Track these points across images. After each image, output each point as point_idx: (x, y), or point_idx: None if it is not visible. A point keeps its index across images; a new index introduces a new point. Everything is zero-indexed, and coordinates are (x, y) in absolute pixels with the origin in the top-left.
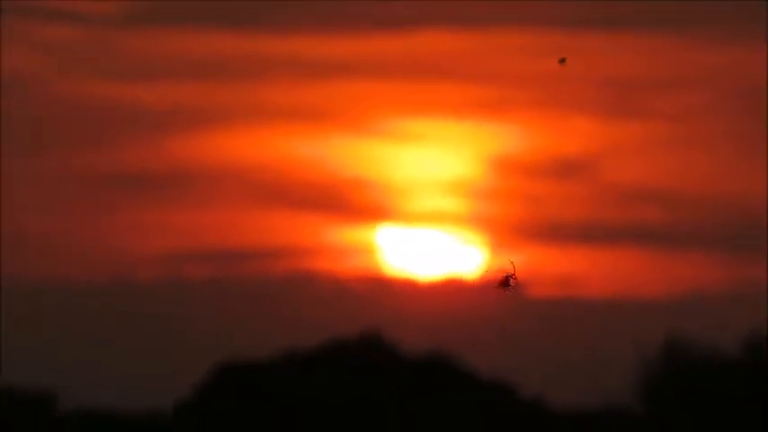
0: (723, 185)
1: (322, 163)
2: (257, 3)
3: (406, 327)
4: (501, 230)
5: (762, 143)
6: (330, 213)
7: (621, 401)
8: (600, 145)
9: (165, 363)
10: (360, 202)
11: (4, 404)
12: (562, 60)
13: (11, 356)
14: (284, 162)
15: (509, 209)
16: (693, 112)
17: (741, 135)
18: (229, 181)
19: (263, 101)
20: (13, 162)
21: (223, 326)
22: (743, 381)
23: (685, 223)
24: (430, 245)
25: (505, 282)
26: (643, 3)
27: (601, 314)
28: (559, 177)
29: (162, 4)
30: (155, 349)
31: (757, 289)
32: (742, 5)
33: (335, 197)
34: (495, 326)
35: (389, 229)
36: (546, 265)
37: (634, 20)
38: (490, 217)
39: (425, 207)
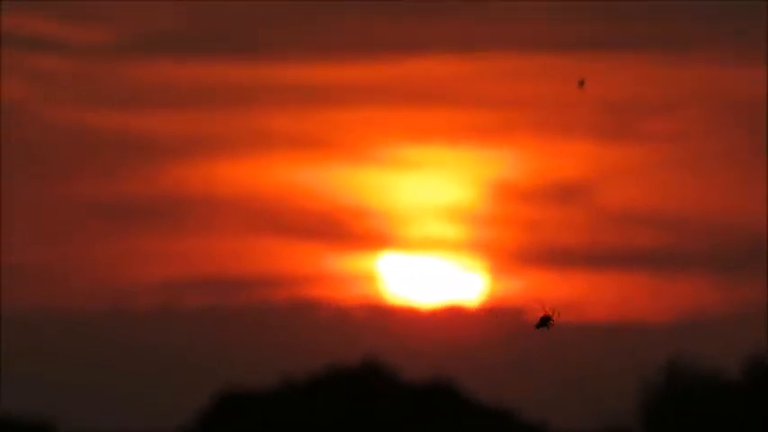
0: (721, 207)
1: (321, 191)
2: (253, 30)
3: (406, 354)
4: (500, 256)
5: (758, 163)
6: (329, 241)
7: (622, 425)
8: (597, 168)
9: (164, 392)
10: (359, 230)
11: None
12: (581, 83)
13: (10, 385)
14: (283, 190)
15: (508, 234)
16: (689, 133)
17: (738, 155)
18: (228, 209)
19: (261, 129)
20: (7, 191)
21: (223, 354)
22: (743, 403)
23: (684, 246)
24: (430, 272)
25: (544, 323)
26: (637, 25)
27: (601, 338)
28: (557, 202)
29: (154, 33)
30: (154, 378)
31: (756, 310)
32: (736, 26)
33: (335, 225)
34: (497, 351)
35: (389, 256)
36: (546, 290)
37: (628, 42)
38: (489, 243)
39: (425, 234)
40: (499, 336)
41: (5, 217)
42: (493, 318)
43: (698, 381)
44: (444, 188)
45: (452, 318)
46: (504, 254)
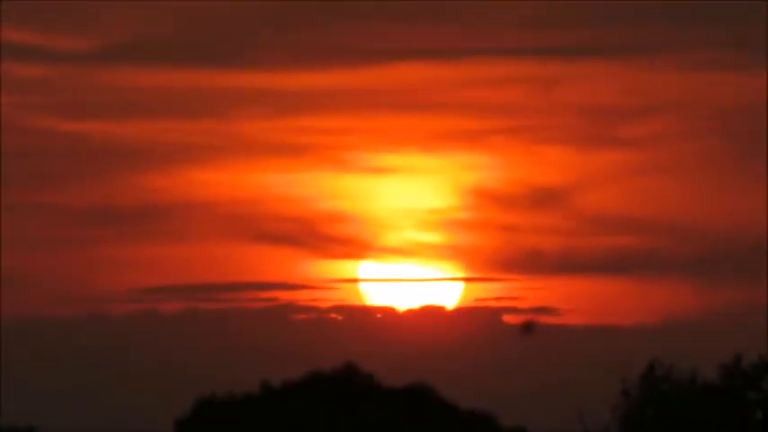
0: (699, 212)
1: (299, 197)
2: (231, 39)
3: (385, 358)
4: (478, 261)
5: (737, 168)
6: (307, 247)
7: (600, 428)
8: (575, 174)
9: (143, 397)
10: (337, 236)
11: None
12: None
13: None
14: (261, 196)
15: (485, 239)
16: (667, 138)
17: (716, 160)
18: (206, 215)
19: (239, 136)
20: None
21: (202, 359)
22: (720, 405)
23: (661, 251)
24: (408, 277)
25: (529, 327)
26: (614, 32)
27: (579, 342)
28: (535, 207)
29: (133, 43)
30: (133, 383)
31: (735, 314)
32: (713, 33)
33: (312, 231)
34: (475, 356)
35: (367, 262)
36: (524, 295)
37: (606, 49)
38: (467, 248)
39: (403, 239)
40: (477, 340)
41: None
42: (471, 322)
43: (676, 383)
44: (422, 194)
45: (431, 322)
46: (481, 259)
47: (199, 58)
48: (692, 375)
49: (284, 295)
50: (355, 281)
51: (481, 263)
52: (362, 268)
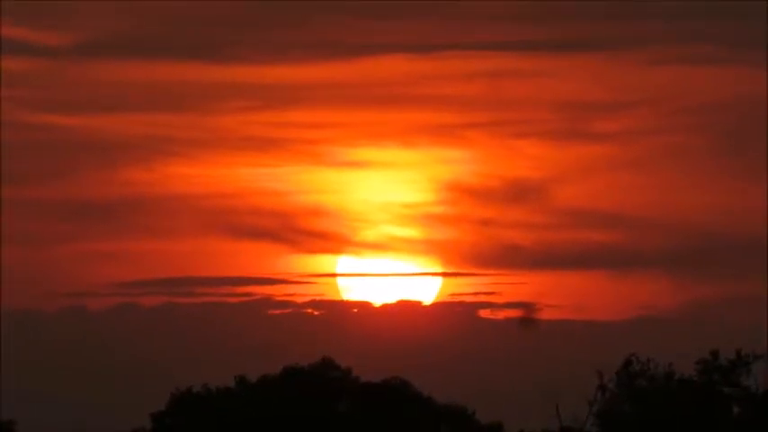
0: (674, 206)
1: (276, 191)
2: (209, 34)
3: (361, 353)
4: (455, 256)
5: (711, 162)
6: (285, 242)
7: (577, 423)
8: (551, 169)
9: (120, 391)
10: (315, 231)
11: None
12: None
13: None
14: (238, 191)
15: (462, 234)
16: (642, 133)
17: (690, 155)
18: (184, 210)
19: (218, 130)
20: None
21: (179, 353)
22: (697, 402)
23: (638, 245)
24: (385, 272)
25: (528, 313)
26: (589, 27)
27: (556, 336)
28: (512, 202)
29: (110, 37)
30: (111, 377)
31: (711, 310)
32: (688, 28)
33: (290, 225)
34: (452, 350)
35: (344, 256)
36: (500, 290)
37: (581, 44)
38: (444, 242)
39: (380, 234)
40: (453, 335)
41: None
42: (447, 317)
43: (653, 379)
44: (399, 188)
45: (407, 317)
46: (458, 254)
47: (179, 52)
48: (668, 371)
49: (261, 290)
50: (332, 275)
51: (457, 257)
52: (339, 263)
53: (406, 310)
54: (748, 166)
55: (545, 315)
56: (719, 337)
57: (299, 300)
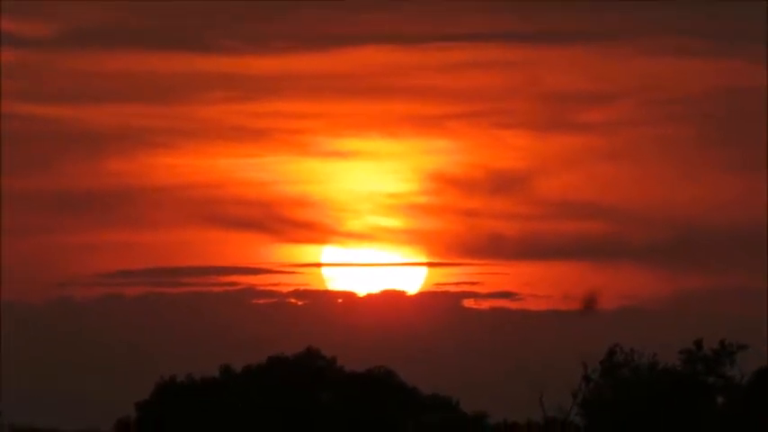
0: (658, 197)
1: (260, 182)
2: (192, 25)
3: (346, 343)
4: (439, 246)
5: (696, 154)
6: (268, 232)
7: (561, 414)
8: (535, 159)
9: (105, 381)
10: (298, 221)
11: None
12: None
13: None
14: (222, 181)
15: (446, 224)
16: (626, 124)
17: (676, 146)
18: (168, 200)
19: (201, 121)
20: None
21: (164, 343)
22: (681, 391)
23: (622, 236)
24: (369, 262)
25: (588, 303)
26: (574, 18)
27: (540, 327)
28: (496, 192)
29: (92, 28)
30: (95, 368)
31: (695, 300)
32: (674, 19)
33: (274, 215)
34: (436, 339)
35: (329, 246)
36: (484, 280)
37: (566, 35)
38: (428, 232)
39: (364, 224)
40: (438, 325)
41: None
42: (431, 306)
43: (636, 369)
44: (383, 179)
45: (391, 307)
46: (442, 244)
47: (162, 43)
48: (652, 361)
49: (245, 279)
50: (317, 265)
51: (442, 248)
52: (323, 253)
53: (391, 299)
54: (733, 158)
55: (528, 305)
56: (703, 328)
57: (284, 289)
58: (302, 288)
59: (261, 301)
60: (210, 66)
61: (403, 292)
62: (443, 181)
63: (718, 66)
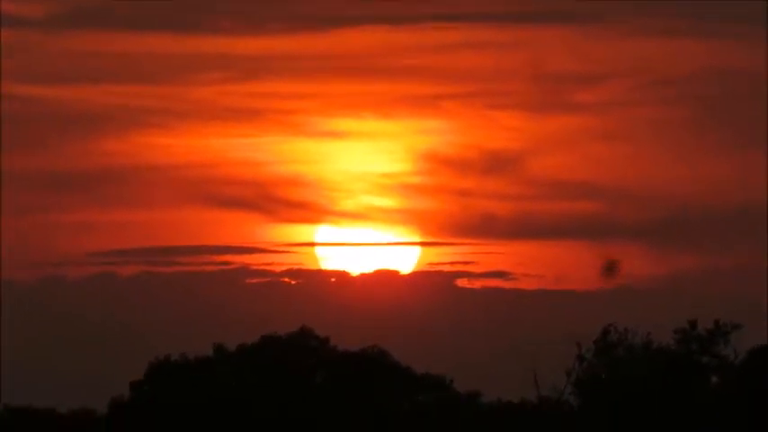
0: (651, 177)
1: (254, 162)
2: (186, 5)
3: (339, 323)
4: (432, 226)
5: (690, 134)
6: (262, 211)
7: (555, 392)
8: (529, 139)
9: (99, 360)
10: (292, 200)
11: None
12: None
13: None
14: (216, 161)
15: (440, 204)
16: (619, 104)
17: (669, 126)
18: (162, 180)
19: (195, 101)
20: None
21: (157, 322)
22: (675, 371)
23: (615, 216)
24: (363, 241)
25: (611, 268)
26: None
27: (534, 306)
28: (489, 172)
29: (88, 8)
30: (87, 346)
31: (689, 280)
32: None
33: (267, 195)
34: (429, 319)
35: (322, 226)
36: (478, 259)
37: (559, 14)
38: (422, 212)
39: (358, 204)
40: (431, 304)
41: None
42: (425, 286)
43: (630, 348)
44: (377, 159)
45: (385, 286)
46: (435, 224)
47: (156, 24)
48: (646, 340)
49: (239, 259)
50: (310, 245)
51: (435, 227)
52: (317, 232)
53: (384, 279)
54: (726, 138)
55: (522, 285)
56: (698, 308)
57: (277, 269)
58: (296, 267)
59: (254, 281)
60: (205, 46)
61: (396, 272)
62: (437, 161)
63: (711, 46)
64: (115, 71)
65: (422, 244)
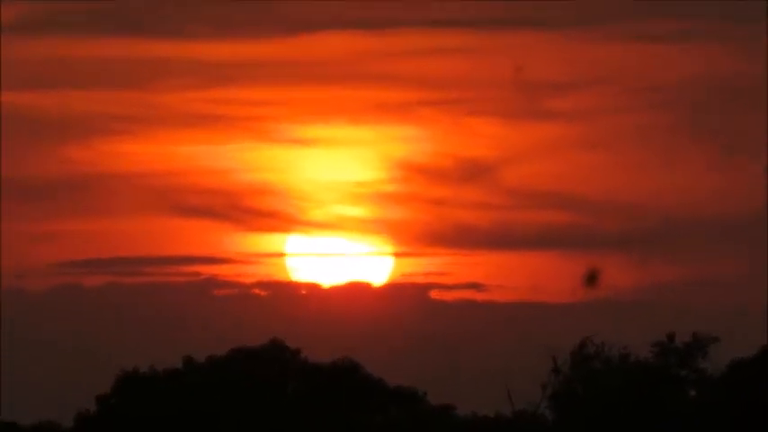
0: (632, 187)
1: (222, 169)
2: (151, 9)
3: (310, 336)
4: (406, 236)
5: (671, 142)
6: (231, 221)
7: (531, 407)
8: (505, 148)
9: (63, 373)
10: (261, 209)
11: None
12: None
13: None
14: (183, 169)
15: (413, 214)
16: (600, 111)
17: (650, 134)
18: (128, 188)
19: (162, 107)
20: None
21: (123, 334)
22: (653, 385)
23: (593, 226)
24: (334, 252)
25: (592, 277)
26: (547, 1)
27: (509, 319)
28: (464, 181)
29: (52, 11)
30: (52, 359)
31: (668, 292)
32: (651, 3)
33: (236, 204)
34: (403, 332)
35: (293, 236)
36: (452, 270)
37: (539, 19)
38: (395, 222)
39: (329, 213)
40: (404, 316)
41: None
42: (398, 298)
43: (607, 361)
44: (349, 167)
45: (357, 298)
46: (409, 234)
47: (120, 28)
48: (624, 353)
49: (207, 269)
50: (280, 255)
51: (409, 238)
52: (287, 243)
53: (356, 290)
54: (711, 147)
55: (497, 296)
56: (677, 321)
57: (246, 280)
58: (265, 279)
59: (223, 292)
60: (171, 51)
61: (369, 283)
62: (411, 169)
63: (698, 50)
64: (77, 76)
65: (395, 255)
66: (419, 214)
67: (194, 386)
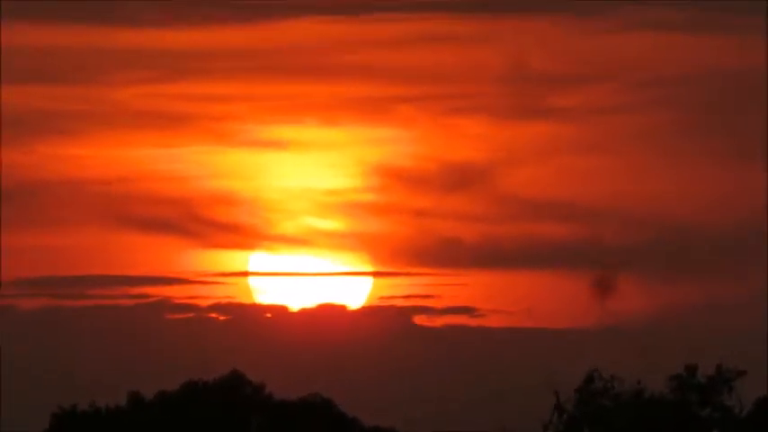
0: (640, 195)
1: (176, 176)
2: None
3: (275, 366)
4: (385, 252)
5: (683, 144)
6: (186, 235)
7: None
8: (498, 151)
9: None
10: (221, 222)
11: None
12: None
13: None
14: (132, 175)
15: (394, 227)
16: (604, 109)
17: (661, 135)
18: (69, 198)
19: (109, 104)
20: None
21: (62, 363)
22: (670, 425)
23: (600, 240)
24: (304, 271)
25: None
26: None
27: (503, 346)
28: (451, 189)
29: None
30: None
31: (687, 316)
32: None
33: (192, 216)
34: (381, 362)
35: (256, 252)
36: (438, 292)
37: (534, 6)
38: (373, 236)
39: (298, 226)
40: (384, 345)
41: None
42: (376, 323)
43: (618, 397)
44: (320, 173)
45: (329, 323)
46: (389, 250)
47: (64, 15)
48: (636, 388)
49: (159, 291)
50: (242, 274)
51: (388, 254)
52: (251, 260)
53: (329, 315)
54: (728, 148)
55: (490, 322)
56: (697, 350)
57: (203, 303)
58: (225, 301)
59: (176, 316)
60: (122, 40)
61: (343, 307)
62: (390, 175)
63: (708, 42)
64: (17, 70)
65: (373, 274)
66: (399, 227)
67: (141, 426)
